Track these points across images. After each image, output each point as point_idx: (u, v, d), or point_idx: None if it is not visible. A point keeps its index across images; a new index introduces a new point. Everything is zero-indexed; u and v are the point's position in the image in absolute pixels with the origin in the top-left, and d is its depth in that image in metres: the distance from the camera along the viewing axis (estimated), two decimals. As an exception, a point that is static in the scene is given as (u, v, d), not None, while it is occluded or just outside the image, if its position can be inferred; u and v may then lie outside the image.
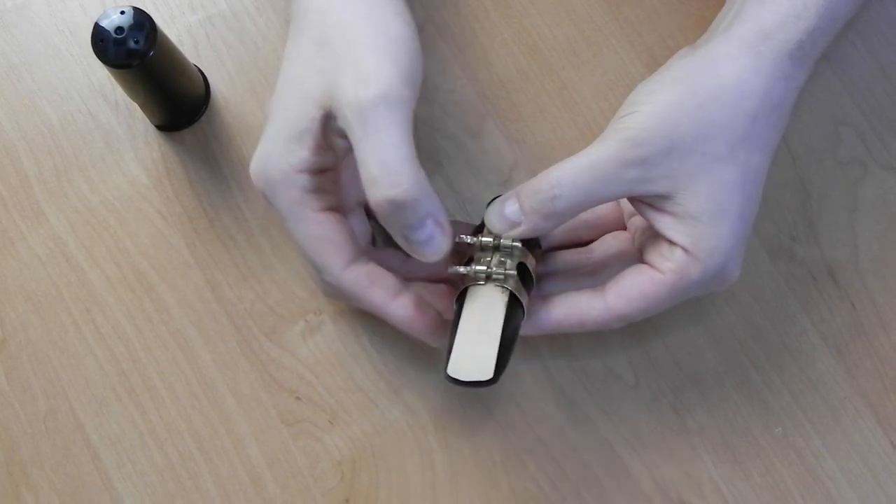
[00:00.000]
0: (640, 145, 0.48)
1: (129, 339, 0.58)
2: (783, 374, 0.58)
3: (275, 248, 0.59)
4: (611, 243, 0.55)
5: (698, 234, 0.48)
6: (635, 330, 0.57)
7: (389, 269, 0.53)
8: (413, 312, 0.51)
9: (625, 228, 0.56)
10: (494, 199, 0.52)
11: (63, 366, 0.58)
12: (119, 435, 0.58)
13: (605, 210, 0.56)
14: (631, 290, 0.49)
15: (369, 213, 0.56)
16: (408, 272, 0.54)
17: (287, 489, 0.57)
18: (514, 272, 0.50)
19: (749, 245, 0.51)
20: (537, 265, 0.53)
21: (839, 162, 0.60)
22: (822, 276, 0.59)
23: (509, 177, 0.60)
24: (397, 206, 0.47)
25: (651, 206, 0.49)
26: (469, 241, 0.52)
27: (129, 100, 0.60)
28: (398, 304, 0.51)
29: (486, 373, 0.47)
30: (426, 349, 0.58)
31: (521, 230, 0.50)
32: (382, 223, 0.49)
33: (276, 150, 0.50)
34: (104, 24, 0.52)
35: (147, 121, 0.61)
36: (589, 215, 0.56)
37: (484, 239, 0.51)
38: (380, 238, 0.58)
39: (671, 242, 0.49)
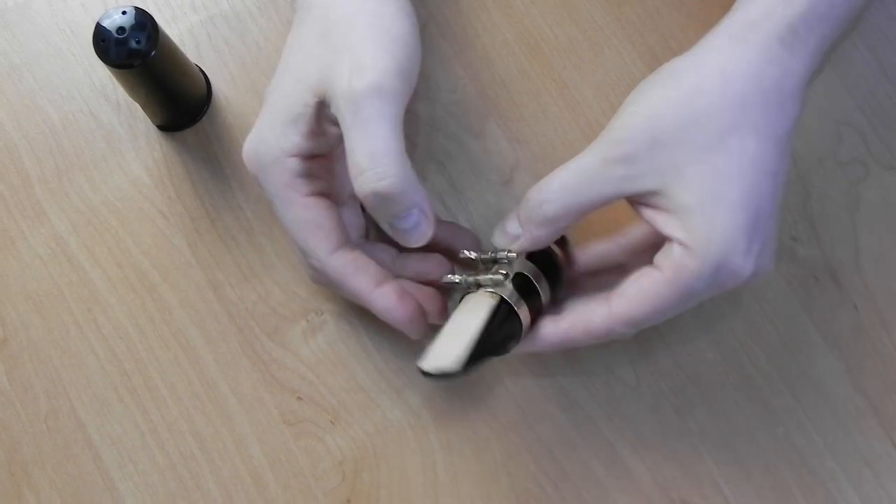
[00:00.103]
0: (622, 143, 0.48)
1: (130, 339, 0.58)
2: (784, 375, 0.58)
3: (276, 248, 0.59)
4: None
5: (692, 225, 0.47)
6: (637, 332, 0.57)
7: (380, 264, 0.53)
8: (395, 302, 0.52)
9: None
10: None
11: (64, 365, 0.58)
12: (120, 435, 0.58)
13: (639, 233, 0.55)
14: (632, 291, 0.48)
15: (363, 205, 0.57)
16: (398, 270, 0.55)
17: (289, 489, 0.57)
18: (501, 277, 0.50)
19: (776, 240, 0.49)
20: (560, 286, 0.53)
21: (840, 162, 0.60)
22: (824, 276, 0.59)
23: (511, 177, 0.60)
24: (383, 198, 0.48)
25: (646, 205, 0.49)
26: (472, 255, 0.53)
27: (130, 100, 0.60)
28: (381, 293, 0.52)
29: (451, 365, 0.47)
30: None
31: (521, 242, 0.50)
32: (368, 211, 0.50)
33: (269, 134, 0.51)
34: (106, 23, 0.52)
35: (148, 121, 0.61)
36: (623, 239, 0.55)
37: (484, 257, 0.52)
38: (373, 231, 0.58)
39: (669, 239, 0.48)
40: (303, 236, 0.51)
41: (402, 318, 0.52)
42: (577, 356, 0.58)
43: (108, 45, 0.52)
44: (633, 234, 0.55)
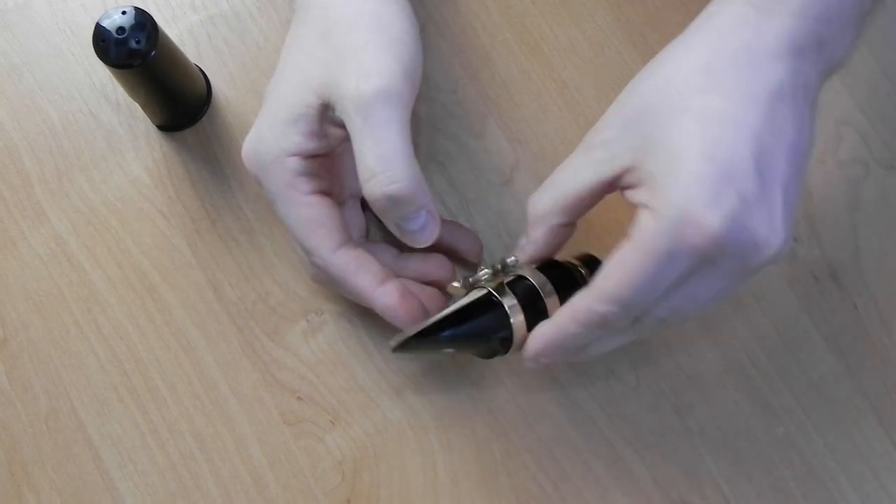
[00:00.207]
0: (600, 129, 0.48)
1: (130, 339, 0.58)
2: (784, 375, 0.58)
3: (276, 248, 0.59)
4: None
5: (656, 187, 0.45)
6: (637, 330, 0.58)
7: (381, 263, 0.54)
8: (397, 301, 0.52)
9: None
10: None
11: (65, 366, 0.58)
12: (121, 435, 0.58)
13: None
14: (606, 266, 0.47)
15: (364, 204, 0.57)
16: (399, 270, 0.55)
17: (289, 489, 0.57)
18: (486, 273, 0.51)
19: (771, 201, 0.45)
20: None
21: (840, 162, 0.60)
22: (824, 276, 0.59)
23: (511, 177, 0.60)
24: (394, 201, 0.48)
25: (627, 186, 0.47)
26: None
27: (130, 100, 0.60)
28: (383, 291, 0.52)
29: (406, 334, 0.49)
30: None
31: (529, 250, 0.51)
32: (377, 213, 0.50)
33: (269, 133, 0.51)
34: (105, 23, 0.53)
35: (148, 121, 0.61)
36: None
37: (496, 266, 0.52)
38: (373, 230, 0.58)
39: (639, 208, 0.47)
40: (305, 235, 0.52)
41: (404, 316, 0.52)
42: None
43: (107, 45, 0.52)
44: None
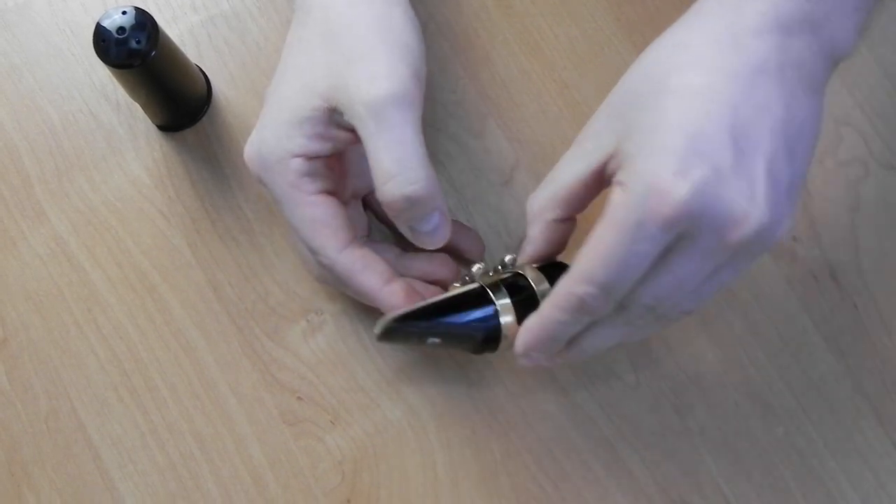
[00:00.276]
0: (591, 123, 0.48)
1: (130, 339, 0.58)
2: (784, 375, 0.58)
3: (276, 247, 0.59)
4: None
5: (628, 163, 0.45)
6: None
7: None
8: (403, 299, 0.52)
9: None
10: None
11: (64, 366, 0.58)
12: (121, 435, 0.58)
13: None
14: (583, 246, 0.46)
15: (366, 204, 0.57)
16: (403, 269, 0.55)
17: (288, 489, 0.57)
18: (479, 268, 0.51)
19: (750, 172, 0.43)
20: None
21: (840, 162, 0.60)
22: (824, 276, 0.59)
23: (511, 177, 0.60)
24: (412, 202, 0.49)
25: (613, 173, 0.47)
26: (475, 267, 0.53)
27: (130, 100, 0.60)
28: (390, 290, 0.52)
29: (389, 317, 0.50)
30: (428, 349, 0.58)
31: (528, 249, 0.51)
32: (390, 216, 0.50)
33: (272, 135, 0.51)
34: (106, 24, 0.53)
35: (148, 121, 0.61)
36: None
37: (478, 265, 0.52)
38: (375, 231, 0.58)
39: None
40: (311, 235, 0.52)
41: None
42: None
43: (108, 45, 0.52)
44: None
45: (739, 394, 0.57)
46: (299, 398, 0.58)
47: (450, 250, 0.56)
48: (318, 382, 0.58)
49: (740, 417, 0.57)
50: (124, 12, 0.53)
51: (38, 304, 0.59)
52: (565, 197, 0.48)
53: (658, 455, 0.57)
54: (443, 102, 0.61)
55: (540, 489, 0.57)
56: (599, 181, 0.47)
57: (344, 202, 0.54)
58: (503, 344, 0.50)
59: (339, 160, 0.54)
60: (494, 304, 0.50)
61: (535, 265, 0.51)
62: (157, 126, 0.61)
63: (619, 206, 0.44)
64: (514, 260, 0.52)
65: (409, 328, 0.50)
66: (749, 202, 0.43)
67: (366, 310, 0.57)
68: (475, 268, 0.51)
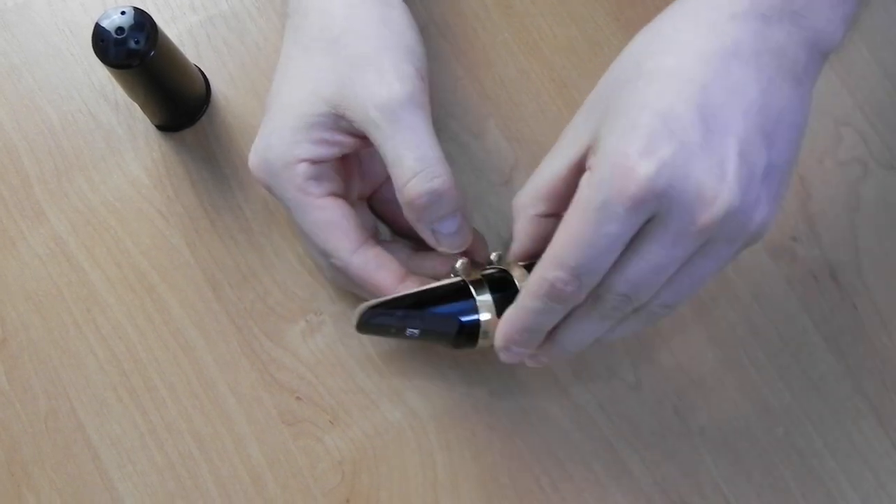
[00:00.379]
0: (573, 118, 0.47)
1: (129, 339, 0.58)
2: (784, 375, 0.58)
3: (275, 248, 0.59)
4: None
5: (598, 146, 0.44)
6: (638, 332, 0.57)
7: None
8: None
9: None
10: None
11: (64, 366, 0.58)
12: (120, 435, 0.58)
13: None
14: (556, 232, 0.46)
15: (373, 207, 0.57)
16: (415, 267, 0.55)
17: (287, 489, 0.57)
18: (463, 262, 0.51)
19: (722, 155, 0.42)
20: None
21: (840, 162, 0.60)
22: (824, 276, 0.58)
23: (510, 176, 0.60)
24: (437, 197, 0.49)
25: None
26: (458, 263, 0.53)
27: (129, 100, 0.60)
28: (405, 289, 0.52)
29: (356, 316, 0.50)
30: (428, 350, 0.58)
31: (514, 246, 0.50)
32: (414, 217, 0.51)
33: (278, 141, 0.51)
34: (105, 24, 0.52)
35: (147, 121, 0.61)
36: None
37: (462, 260, 0.52)
38: (383, 232, 0.59)
39: None
40: (323, 237, 0.52)
41: None
42: (579, 357, 0.58)
43: (107, 45, 0.52)
44: None
45: (739, 394, 0.57)
46: (298, 398, 0.58)
47: None
48: (318, 383, 0.58)
49: (740, 417, 0.57)
50: (123, 12, 0.53)
51: (38, 304, 0.59)
52: (547, 192, 0.48)
53: (658, 455, 0.57)
54: (443, 102, 0.61)
55: (541, 490, 0.57)
56: (580, 174, 0.46)
57: (351, 204, 0.54)
58: (484, 341, 0.50)
59: (344, 163, 0.54)
60: (474, 298, 0.50)
61: (521, 263, 0.51)
62: (156, 126, 0.61)
63: (585, 187, 0.43)
64: (499, 256, 0.52)
65: (386, 318, 0.50)
66: (718, 182, 0.42)
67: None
68: (459, 263, 0.51)
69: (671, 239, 0.43)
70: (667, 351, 0.58)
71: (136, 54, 0.52)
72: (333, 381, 0.58)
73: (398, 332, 0.50)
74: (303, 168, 0.51)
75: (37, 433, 0.58)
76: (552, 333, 0.48)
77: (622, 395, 0.57)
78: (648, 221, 0.43)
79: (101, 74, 0.61)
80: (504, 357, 0.49)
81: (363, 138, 0.51)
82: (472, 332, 0.50)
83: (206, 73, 0.61)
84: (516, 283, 0.50)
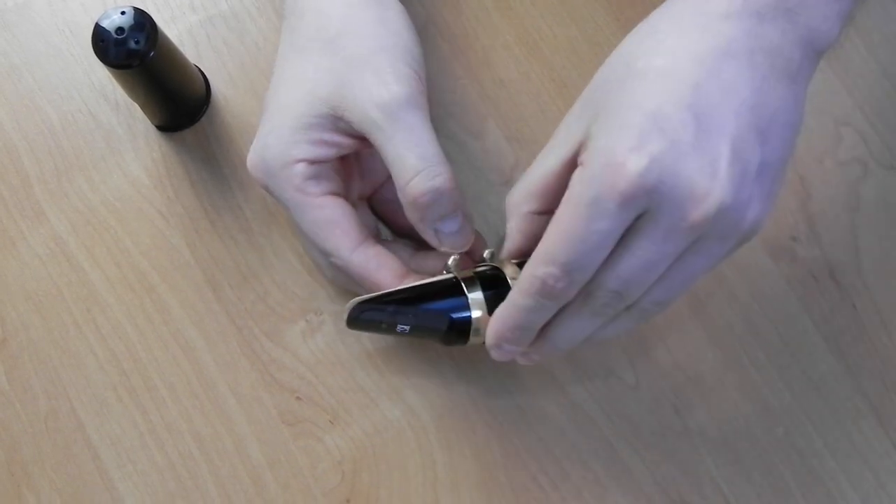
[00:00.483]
0: (566, 116, 0.47)
1: (129, 339, 0.58)
2: (784, 375, 0.58)
3: (275, 248, 0.59)
4: None
5: (589, 144, 0.44)
6: (636, 330, 0.57)
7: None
8: None
9: None
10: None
11: (64, 366, 0.58)
12: (120, 435, 0.58)
13: None
14: (547, 229, 0.46)
15: (373, 207, 0.57)
16: (416, 267, 0.55)
17: (288, 489, 0.57)
18: (455, 259, 0.51)
19: (714, 153, 0.42)
20: None
21: (840, 162, 0.60)
22: (823, 276, 0.58)
23: (510, 177, 0.60)
24: (439, 195, 0.49)
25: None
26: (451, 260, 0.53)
27: (129, 100, 0.60)
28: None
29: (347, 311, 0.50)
30: (428, 349, 0.58)
31: (506, 244, 0.50)
32: (416, 216, 0.51)
33: (276, 141, 0.51)
34: (105, 24, 0.53)
35: (147, 121, 0.61)
36: None
37: (454, 257, 0.52)
38: (384, 233, 0.59)
39: None
40: (323, 236, 0.52)
41: None
42: (578, 356, 0.58)
43: (107, 45, 0.52)
44: None
45: (739, 394, 0.57)
46: (298, 398, 0.58)
47: None
48: (318, 382, 0.58)
49: (740, 417, 0.57)
50: (123, 13, 0.53)
51: (38, 304, 0.59)
52: (540, 189, 0.48)
53: (658, 455, 0.57)
54: (442, 103, 0.61)
55: (540, 489, 0.57)
56: (573, 172, 0.46)
57: (352, 204, 0.54)
58: (476, 338, 0.50)
59: (344, 163, 0.54)
60: (466, 295, 0.50)
61: (514, 261, 0.51)
62: (156, 126, 0.61)
63: (576, 183, 0.43)
64: (492, 254, 0.52)
65: (376, 313, 0.50)
66: (710, 179, 0.42)
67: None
68: (451, 259, 0.51)
69: (662, 235, 0.43)
70: (666, 350, 0.58)
71: (136, 54, 0.52)
72: (333, 381, 0.58)
73: (388, 328, 0.50)
74: (301, 168, 0.51)
75: (37, 433, 0.58)
76: (544, 331, 0.48)
77: (622, 395, 0.58)
78: (639, 218, 0.43)
79: (101, 74, 0.61)
80: (495, 355, 0.49)
81: (362, 139, 0.51)
82: (463, 329, 0.50)
83: (205, 73, 0.61)
84: (508, 280, 0.50)
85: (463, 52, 0.62)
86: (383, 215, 0.58)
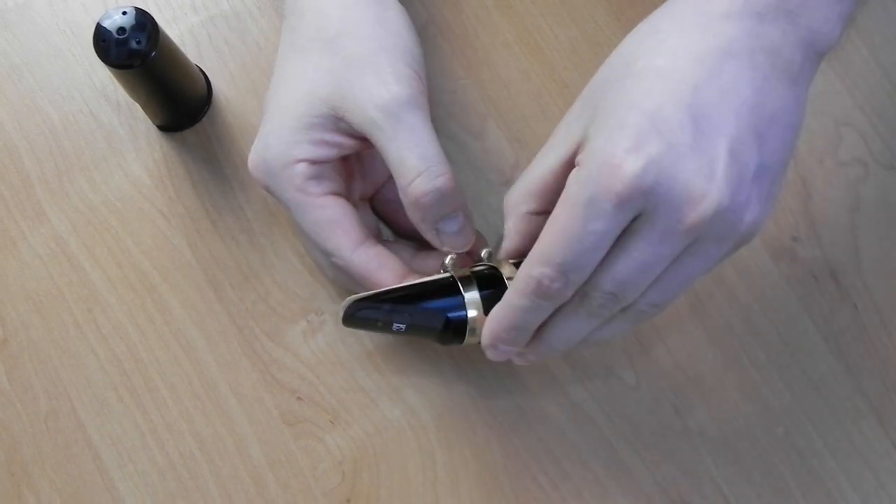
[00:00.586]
0: (565, 116, 0.47)
1: (130, 339, 0.58)
2: (784, 375, 0.58)
3: (276, 248, 0.59)
4: None
5: (587, 144, 0.44)
6: (636, 330, 0.57)
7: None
8: None
9: None
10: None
11: (64, 366, 0.58)
12: (120, 435, 0.58)
13: None
14: (543, 229, 0.46)
15: (374, 208, 0.57)
16: (417, 267, 0.55)
17: (288, 489, 0.57)
18: (452, 259, 0.51)
19: (712, 156, 0.42)
20: None
21: (840, 162, 0.60)
22: (824, 276, 0.59)
23: (511, 177, 0.60)
24: (441, 195, 0.49)
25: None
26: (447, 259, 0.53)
27: (130, 100, 0.60)
28: None
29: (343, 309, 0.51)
30: (428, 348, 0.58)
31: (504, 243, 0.50)
32: (418, 216, 0.51)
33: (277, 142, 0.51)
34: (106, 24, 0.53)
35: (149, 121, 0.61)
36: None
37: (451, 256, 0.52)
38: (385, 233, 0.59)
39: None
40: (324, 236, 0.52)
41: None
42: (577, 356, 0.58)
43: (108, 45, 0.52)
44: None
45: (739, 394, 0.57)
46: (299, 398, 0.58)
47: None
48: (318, 382, 0.58)
49: (740, 417, 0.57)
50: (124, 13, 0.53)
51: (38, 304, 0.59)
52: (538, 189, 0.48)
53: (658, 455, 0.57)
54: (443, 103, 0.61)
55: (540, 489, 0.57)
56: (570, 170, 0.46)
57: (353, 204, 0.55)
58: (472, 338, 0.50)
59: (344, 164, 0.54)
60: (462, 294, 0.50)
61: (511, 260, 0.51)
62: (157, 126, 0.61)
63: (573, 184, 0.43)
64: (490, 254, 0.52)
65: (372, 311, 0.50)
66: (707, 181, 0.42)
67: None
68: (448, 259, 0.51)
69: (658, 237, 0.43)
70: (666, 350, 0.58)
71: (137, 54, 0.52)
72: (334, 381, 0.58)
73: (384, 327, 0.51)
74: (302, 168, 0.51)
75: (37, 433, 0.58)
76: (540, 331, 0.48)
77: (622, 395, 0.58)
78: (636, 219, 0.43)
79: (103, 75, 0.61)
80: (491, 355, 0.49)
81: (363, 139, 0.51)
82: (459, 329, 0.50)
83: (207, 73, 0.61)
84: (505, 280, 0.50)
85: (463, 52, 0.62)
86: (384, 215, 0.58)
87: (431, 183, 0.49)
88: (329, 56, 0.51)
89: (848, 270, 0.58)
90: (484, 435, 0.57)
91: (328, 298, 0.59)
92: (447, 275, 0.51)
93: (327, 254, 0.52)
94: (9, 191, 0.60)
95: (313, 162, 0.51)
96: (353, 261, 0.52)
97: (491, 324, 0.48)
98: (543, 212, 0.48)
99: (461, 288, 0.50)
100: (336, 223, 0.52)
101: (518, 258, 0.50)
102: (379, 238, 0.56)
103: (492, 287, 0.50)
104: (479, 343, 0.50)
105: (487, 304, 0.49)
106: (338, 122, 0.51)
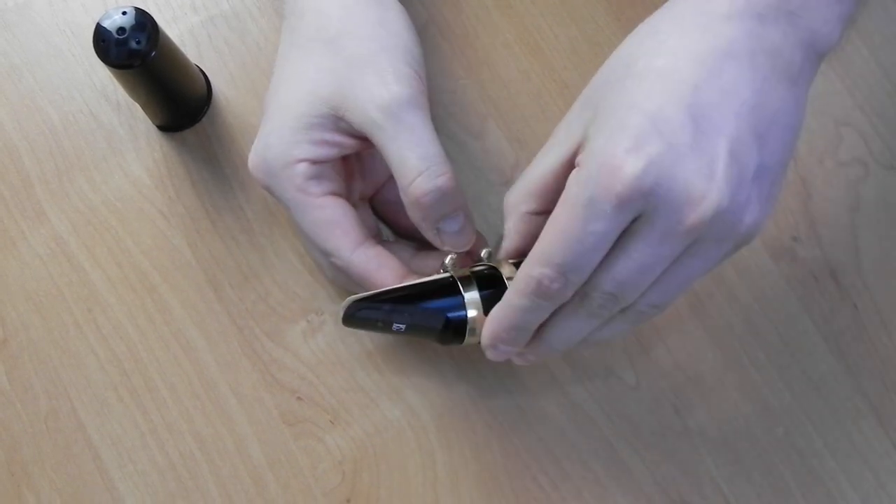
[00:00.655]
0: (566, 116, 0.47)
1: (130, 339, 0.58)
2: (784, 375, 0.58)
3: (276, 248, 0.59)
4: None
5: (587, 145, 0.44)
6: (636, 330, 0.57)
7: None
8: None
9: None
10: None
11: (64, 366, 0.58)
12: (120, 435, 0.58)
13: None
14: (543, 229, 0.46)
15: (375, 208, 0.57)
16: (417, 268, 0.55)
17: (288, 489, 0.57)
18: (452, 258, 0.51)
19: (711, 156, 0.42)
20: None
21: (840, 162, 0.60)
22: (824, 276, 0.59)
23: (511, 177, 0.60)
24: (442, 194, 0.49)
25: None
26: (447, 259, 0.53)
27: (130, 100, 0.60)
28: None
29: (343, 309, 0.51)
30: (428, 348, 0.58)
31: (504, 243, 0.50)
32: (419, 216, 0.51)
33: (277, 141, 0.51)
34: (106, 24, 0.53)
35: (149, 121, 0.61)
36: None
37: (451, 256, 0.52)
38: (385, 234, 0.59)
39: None
40: (324, 236, 0.52)
41: None
42: (578, 356, 0.58)
43: (108, 45, 0.52)
44: None
45: (739, 394, 0.57)
46: (299, 398, 0.58)
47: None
48: (318, 382, 0.58)
49: (740, 417, 0.57)
50: (124, 13, 0.53)
51: (38, 304, 0.59)
52: (538, 189, 0.48)
53: (658, 455, 0.57)
54: (443, 103, 0.61)
55: (540, 489, 0.57)
56: (570, 170, 0.46)
57: (353, 205, 0.55)
58: (472, 338, 0.50)
59: (344, 164, 0.54)
60: (462, 294, 0.50)
61: (511, 261, 0.51)
62: (157, 126, 0.61)
63: (573, 184, 0.43)
64: (489, 254, 0.52)
65: (372, 312, 0.50)
66: (707, 182, 0.42)
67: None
68: (448, 258, 0.51)
69: (658, 238, 0.43)
70: (666, 350, 0.58)
71: (137, 54, 0.52)
72: (334, 381, 0.58)
73: (384, 327, 0.51)
74: (302, 168, 0.51)
75: (37, 433, 0.58)
76: (539, 331, 0.48)
77: (622, 395, 0.58)
78: (636, 220, 0.43)
79: (103, 75, 0.61)
80: (491, 355, 0.49)
81: (363, 139, 0.51)
82: (458, 329, 0.50)
83: (207, 73, 0.61)
84: (505, 280, 0.50)
85: (463, 52, 0.62)
86: (384, 216, 0.58)
87: (432, 182, 0.49)
88: (330, 56, 0.51)
89: (848, 270, 0.58)
90: (484, 435, 0.57)
91: (328, 298, 0.59)
92: (447, 275, 0.51)
93: (327, 254, 0.52)
94: (9, 191, 0.60)
95: (313, 162, 0.51)
96: (352, 261, 0.52)
97: (491, 324, 0.48)
98: (543, 212, 0.48)
99: (461, 288, 0.50)
100: (336, 223, 0.52)
101: (518, 258, 0.50)
102: (379, 238, 0.56)
103: (492, 287, 0.50)
104: (479, 343, 0.50)
105: (487, 304, 0.49)
106: (338, 122, 0.51)
